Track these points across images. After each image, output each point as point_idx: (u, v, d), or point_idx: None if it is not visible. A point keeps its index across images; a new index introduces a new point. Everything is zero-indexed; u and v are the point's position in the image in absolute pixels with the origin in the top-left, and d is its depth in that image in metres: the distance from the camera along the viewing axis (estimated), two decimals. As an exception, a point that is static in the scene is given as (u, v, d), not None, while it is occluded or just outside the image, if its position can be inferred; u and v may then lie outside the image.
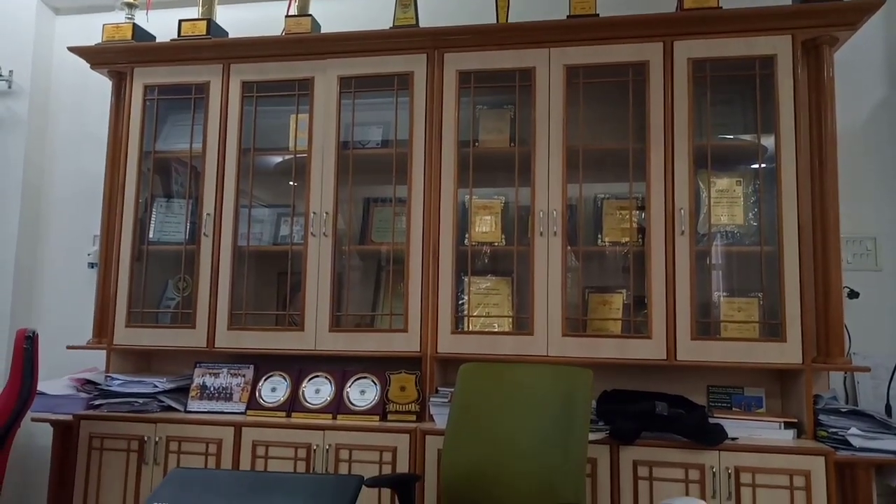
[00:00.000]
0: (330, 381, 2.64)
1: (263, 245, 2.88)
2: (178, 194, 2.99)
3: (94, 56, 2.92)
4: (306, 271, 2.66)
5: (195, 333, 2.71)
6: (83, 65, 2.96)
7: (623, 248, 2.63)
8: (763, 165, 2.50)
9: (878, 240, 2.68)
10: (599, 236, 2.66)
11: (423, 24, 2.74)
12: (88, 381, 2.77)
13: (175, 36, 2.90)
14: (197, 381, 2.73)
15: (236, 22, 3.10)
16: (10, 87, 3.27)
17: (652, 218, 2.45)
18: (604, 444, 2.25)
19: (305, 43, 2.76)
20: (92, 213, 3.12)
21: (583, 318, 2.60)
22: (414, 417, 2.51)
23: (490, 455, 2.04)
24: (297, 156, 2.79)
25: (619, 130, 2.57)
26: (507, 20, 2.67)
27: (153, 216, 2.92)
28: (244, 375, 2.72)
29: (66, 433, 2.66)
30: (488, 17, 2.72)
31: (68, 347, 2.87)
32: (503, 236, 2.70)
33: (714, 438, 2.19)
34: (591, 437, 2.16)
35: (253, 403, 2.64)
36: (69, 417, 2.63)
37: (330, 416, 2.54)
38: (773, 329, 2.39)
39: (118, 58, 2.90)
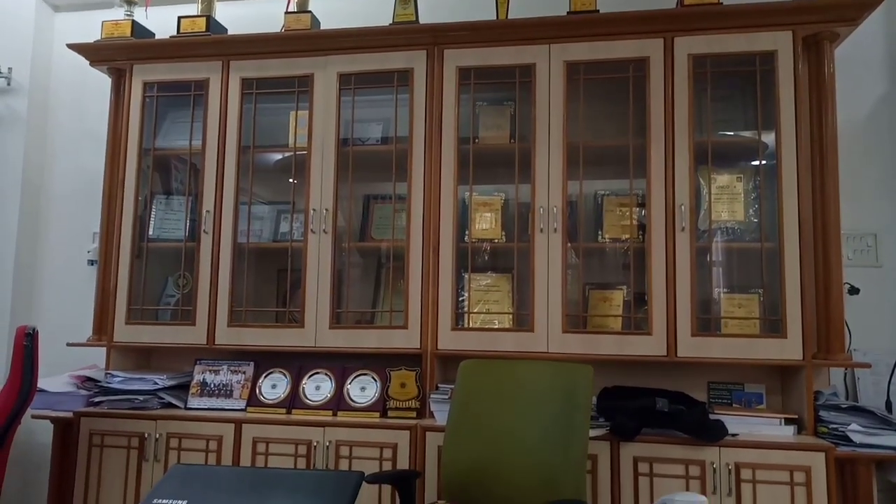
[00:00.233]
0: (330, 378, 2.64)
1: (263, 242, 2.87)
2: (177, 191, 2.99)
3: (94, 53, 2.91)
4: (306, 268, 2.66)
5: (195, 330, 2.71)
6: (82, 62, 2.96)
7: (623, 245, 2.63)
8: (763, 162, 2.50)
9: (879, 236, 2.67)
10: (600, 233, 2.65)
11: (422, 20, 2.73)
12: (88, 379, 2.77)
13: (174, 33, 2.89)
14: (197, 378, 2.73)
15: (236, 19, 3.10)
16: (9, 84, 3.27)
17: (652, 214, 2.45)
18: (604, 440, 2.25)
19: (305, 39, 2.75)
20: (92, 210, 3.12)
21: (583, 314, 2.60)
22: (414, 414, 2.51)
23: (490, 452, 2.04)
24: (297, 153, 2.79)
25: (619, 127, 2.57)
26: (506, 16, 2.67)
27: (153, 213, 2.92)
28: (244, 372, 2.71)
29: (66, 430, 2.66)
30: (488, 14, 2.71)
31: (68, 344, 2.86)
32: (503, 233, 2.70)
33: (714, 435, 2.19)
34: (592, 433, 2.16)
35: (253, 400, 2.64)
36: (69, 415, 2.63)
37: (330, 412, 2.54)
38: (773, 325, 2.38)
39: (117, 55, 2.90)
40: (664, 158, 2.46)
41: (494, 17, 2.67)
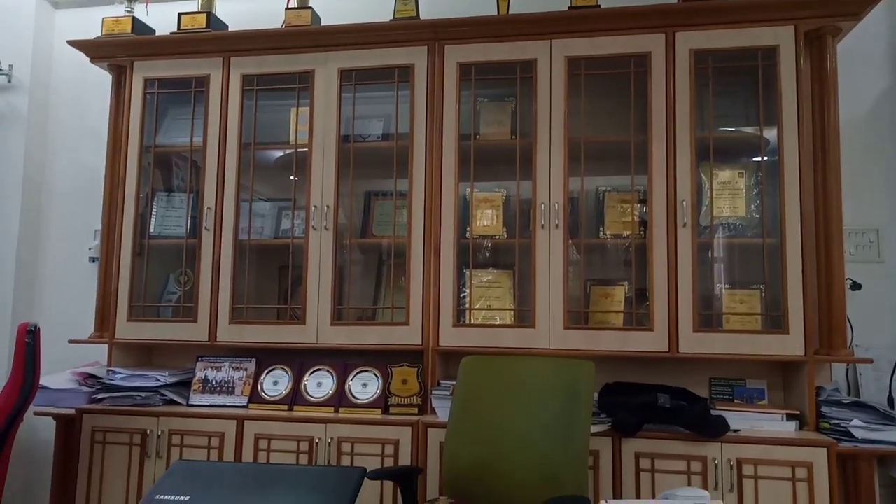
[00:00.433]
0: (332, 375, 2.64)
1: (264, 239, 2.87)
2: (178, 188, 2.99)
3: (94, 50, 2.91)
4: (307, 265, 2.66)
5: (197, 327, 2.71)
6: (83, 59, 2.95)
7: (625, 241, 2.63)
8: (765, 157, 2.49)
9: (881, 231, 2.67)
10: (601, 229, 2.65)
11: (423, 15, 2.73)
12: (90, 376, 2.77)
13: (175, 29, 2.89)
14: (199, 374, 2.73)
15: (236, 15, 3.09)
16: (9, 81, 3.27)
17: (654, 210, 2.44)
18: (606, 436, 2.25)
19: (306, 36, 2.75)
20: (93, 207, 3.12)
21: (584, 310, 2.60)
22: (416, 410, 2.51)
23: (492, 448, 2.04)
24: (298, 149, 2.78)
25: (620, 122, 2.56)
26: (507, 12, 2.66)
27: (154, 210, 2.92)
28: (246, 369, 2.72)
29: (68, 427, 2.67)
30: (489, 9, 2.70)
31: (70, 342, 2.87)
32: (504, 229, 2.69)
33: (716, 430, 2.19)
34: (594, 429, 2.16)
35: (255, 397, 2.64)
36: (72, 411, 2.63)
37: (332, 409, 2.55)
38: (775, 321, 2.38)
39: (118, 51, 2.89)
40: (666, 154, 2.45)
41: (495, 13, 2.66)
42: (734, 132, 2.58)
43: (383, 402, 2.55)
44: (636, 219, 2.57)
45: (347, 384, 2.61)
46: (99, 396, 2.67)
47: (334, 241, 2.66)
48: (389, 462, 2.38)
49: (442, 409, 2.44)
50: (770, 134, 2.46)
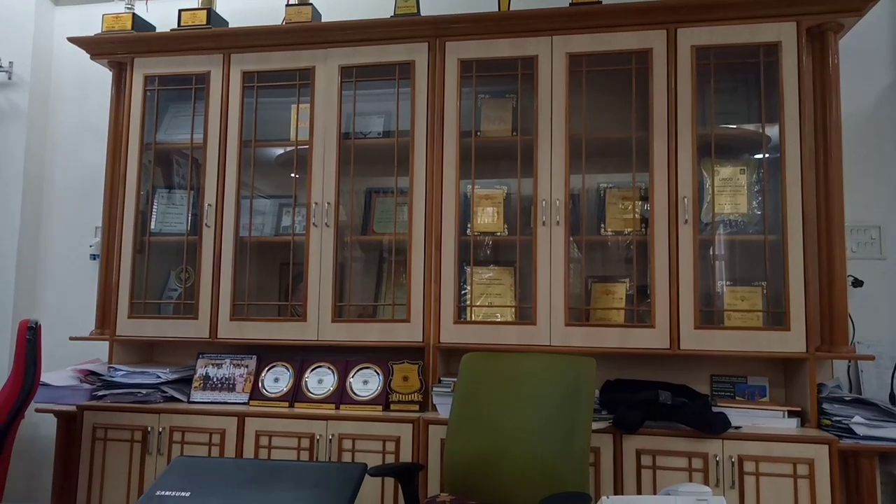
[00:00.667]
0: (333, 372, 2.64)
1: (265, 236, 2.87)
2: (179, 185, 2.98)
3: (94, 47, 2.91)
4: (308, 262, 2.66)
5: (198, 324, 2.71)
6: (83, 56, 2.95)
7: (626, 238, 2.63)
8: (767, 154, 2.49)
9: (883, 228, 2.66)
10: (602, 226, 2.65)
11: (423, 12, 2.72)
12: (91, 372, 2.77)
13: (175, 26, 2.89)
14: (200, 371, 2.73)
15: (236, 11, 3.09)
16: (10, 78, 3.27)
17: (655, 207, 2.44)
18: (607, 433, 2.25)
19: (306, 32, 2.74)
20: (93, 204, 3.12)
21: (586, 307, 2.59)
22: (417, 407, 2.51)
23: (493, 445, 2.04)
24: (299, 146, 2.78)
25: (622, 119, 2.56)
26: (508, 8, 2.66)
27: (154, 207, 2.91)
28: (247, 366, 2.72)
29: (69, 424, 2.67)
30: (490, 5, 2.70)
31: (71, 338, 2.87)
32: (505, 226, 2.69)
33: (717, 427, 2.19)
34: (595, 426, 2.16)
35: (256, 394, 2.64)
36: (73, 408, 2.63)
37: (333, 406, 2.55)
38: (776, 318, 2.38)
39: (118, 48, 2.89)
40: (667, 151, 2.45)
41: (496, 9, 2.66)
42: (736, 129, 2.57)
43: (384, 398, 2.55)
44: (637, 216, 2.56)
45: (348, 381, 2.61)
46: (100, 393, 2.67)
47: (335, 238, 2.66)
48: (390, 459, 2.38)
49: (443, 406, 2.44)
50: (772, 130, 2.46)
